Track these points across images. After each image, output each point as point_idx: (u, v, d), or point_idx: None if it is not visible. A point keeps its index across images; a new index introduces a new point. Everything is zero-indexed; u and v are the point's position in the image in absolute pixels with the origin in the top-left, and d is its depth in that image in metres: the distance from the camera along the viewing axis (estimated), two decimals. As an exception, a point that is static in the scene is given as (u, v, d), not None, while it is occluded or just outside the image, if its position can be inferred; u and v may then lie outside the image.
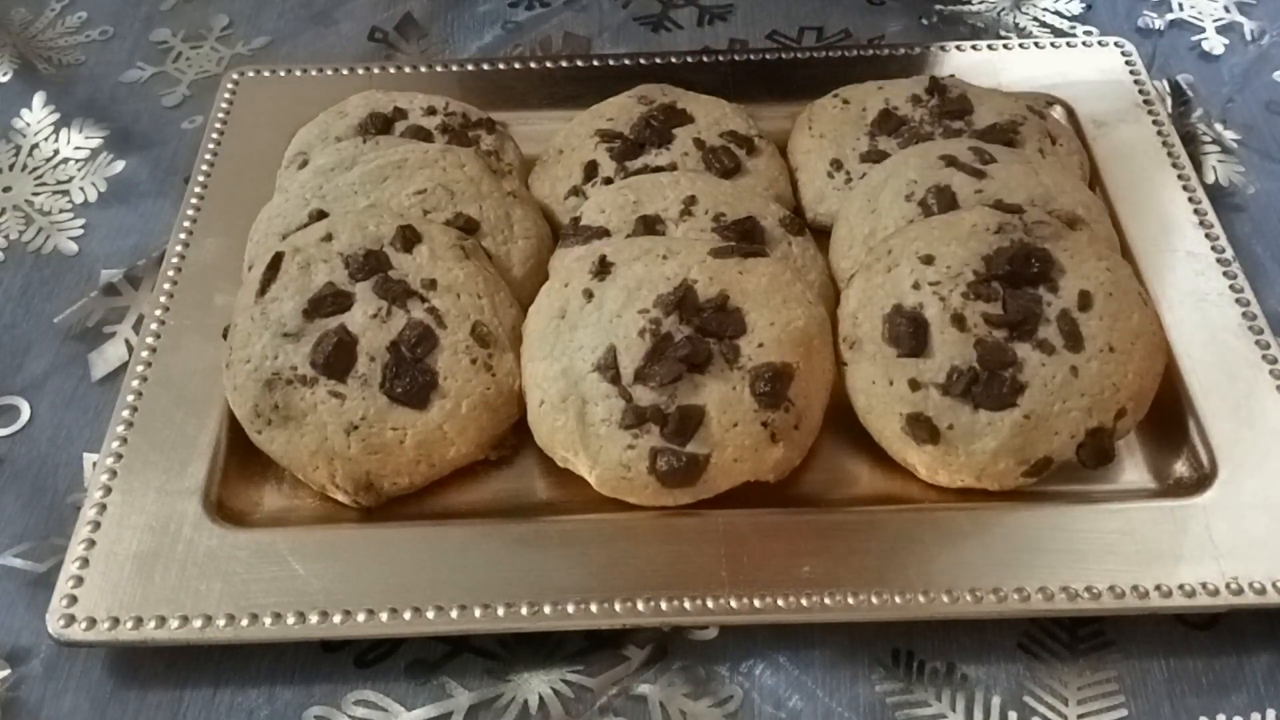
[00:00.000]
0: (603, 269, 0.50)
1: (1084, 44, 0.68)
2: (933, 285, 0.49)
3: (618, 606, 0.44)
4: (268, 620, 0.44)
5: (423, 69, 0.68)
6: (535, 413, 0.48)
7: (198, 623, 0.44)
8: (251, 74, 0.67)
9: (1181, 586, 0.44)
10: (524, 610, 0.44)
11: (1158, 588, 0.44)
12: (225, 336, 0.51)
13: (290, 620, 0.44)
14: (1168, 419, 0.50)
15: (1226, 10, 0.75)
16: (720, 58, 0.68)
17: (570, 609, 0.44)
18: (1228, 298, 0.54)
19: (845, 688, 0.45)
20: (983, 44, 0.68)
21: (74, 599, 0.45)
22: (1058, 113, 0.63)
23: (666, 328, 0.47)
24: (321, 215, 0.53)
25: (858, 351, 0.49)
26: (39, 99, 0.70)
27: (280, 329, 0.49)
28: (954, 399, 0.47)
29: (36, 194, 0.65)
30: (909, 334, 0.48)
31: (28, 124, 0.69)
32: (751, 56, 0.68)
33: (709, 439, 0.45)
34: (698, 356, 0.47)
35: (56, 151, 0.67)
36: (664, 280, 0.49)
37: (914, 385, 0.48)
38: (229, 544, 0.46)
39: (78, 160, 0.66)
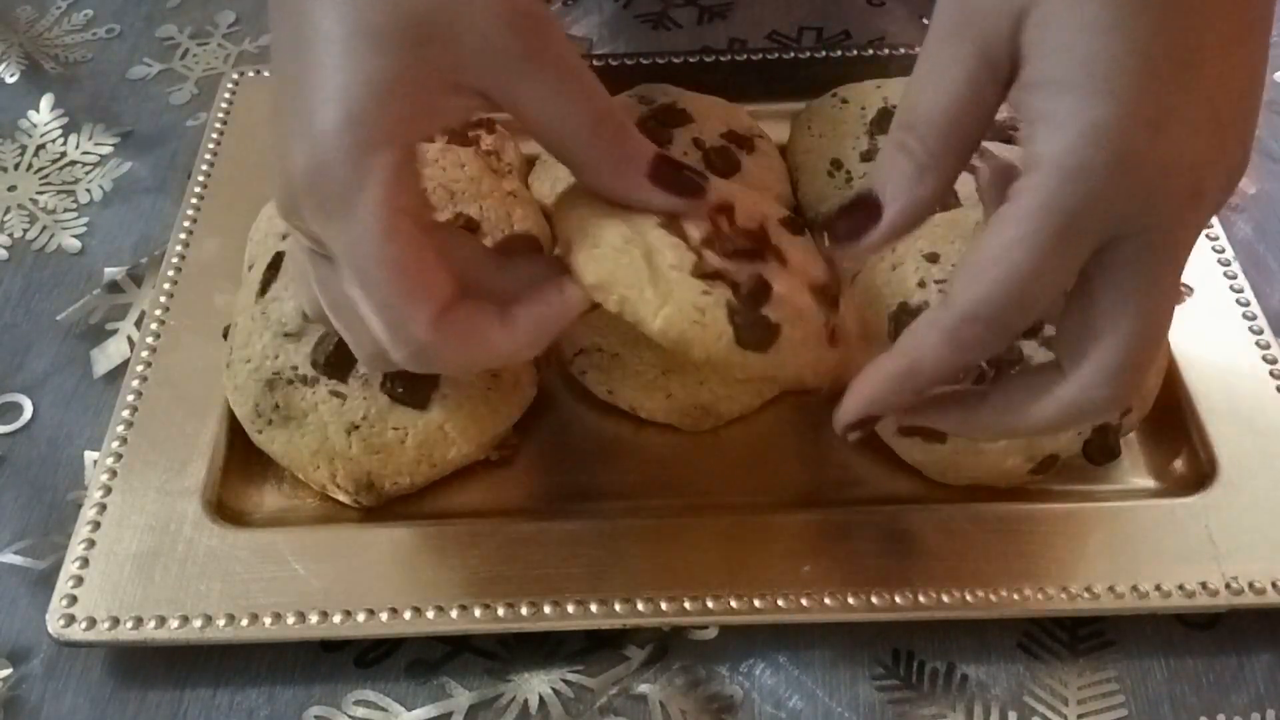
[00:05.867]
0: None
1: (1085, 43, 0.68)
2: (938, 283, 0.49)
3: (618, 606, 0.44)
4: (268, 620, 0.44)
5: (423, 68, 0.68)
6: (587, 254, 0.40)
7: (198, 623, 0.44)
8: (253, 74, 0.68)
9: (1181, 586, 0.44)
10: (524, 610, 0.44)
11: (1157, 588, 0.44)
12: (225, 336, 0.51)
13: (290, 620, 0.44)
14: (1168, 419, 0.50)
15: (1228, 9, 0.75)
16: (720, 58, 0.68)
17: (570, 609, 0.44)
18: (1228, 298, 0.54)
19: (845, 688, 0.45)
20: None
21: (74, 599, 0.45)
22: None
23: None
24: (322, 215, 0.53)
25: (863, 350, 0.49)
26: (46, 101, 0.70)
27: (281, 329, 0.49)
28: (960, 397, 0.47)
29: (41, 192, 0.65)
30: None
31: (34, 124, 0.69)
32: (751, 56, 0.68)
33: (779, 312, 0.40)
34: (759, 241, 0.42)
35: (64, 154, 0.67)
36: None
37: (919, 384, 0.48)
38: (229, 544, 0.46)
39: (85, 164, 0.66)
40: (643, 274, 0.39)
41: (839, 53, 0.69)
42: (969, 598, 0.44)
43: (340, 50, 0.34)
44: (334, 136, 0.33)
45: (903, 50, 0.68)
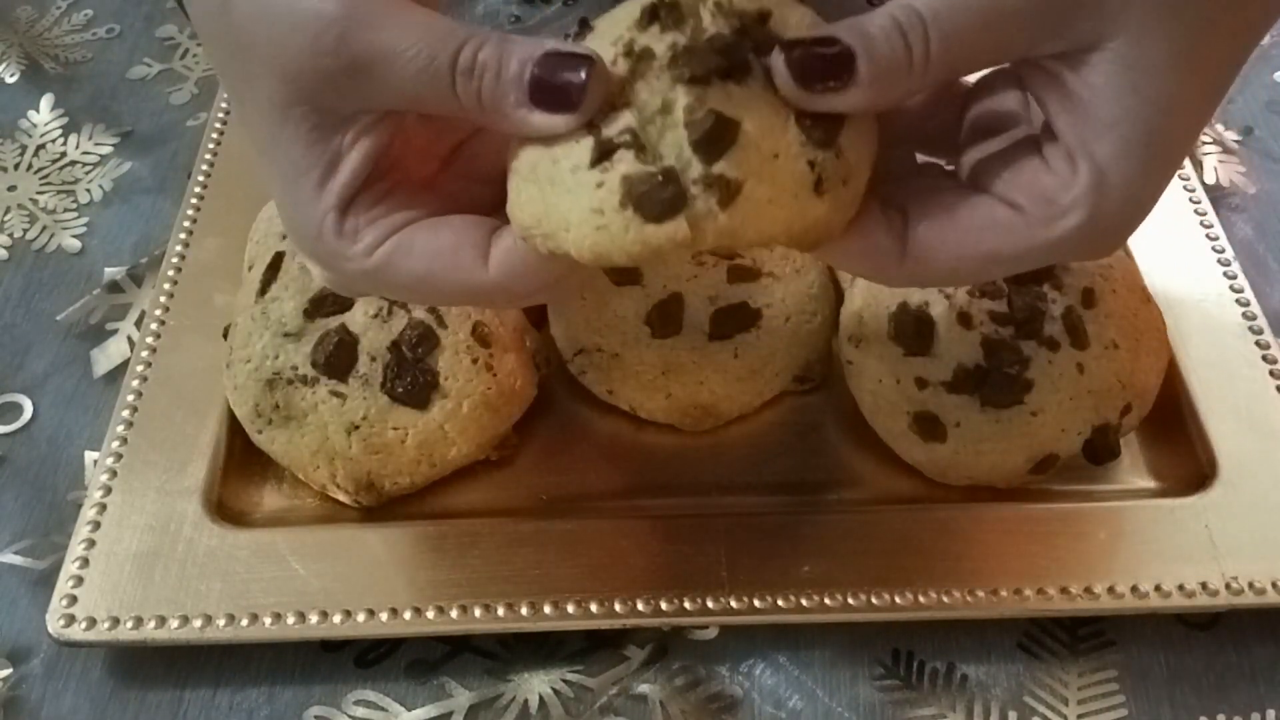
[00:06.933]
0: (581, 31, 0.36)
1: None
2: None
3: (618, 606, 0.44)
4: (268, 620, 0.44)
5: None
6: (509, 200, 0.35)
7: (198, 623, 0.44)
8: (252, 73, 0.67)
9: (1181, 586, 0.44)
10: (524, 610, 0.44)
11: (1157, 588, 0.44)
12: (225, 336, 0.51)
13: (290, 620, 0.44)
14: (1168, 419, 0.50)
15: (1228, 9, 0.75)
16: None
17: (570, 609, 0.44)
18: (1228, 298, 0.54)
19: (845, 688, 0.45)
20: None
21: (74, 599, 0.45)
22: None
23: (645, 42, 0.33)
24: (322, 215, 0.53)
25: (863, 350, 0.49)
26: (46, 101, 0.70)
27: (281, 329, 0.49)
28: (961, 397, 0.47)
29: (41, 192, 0.65)
30: (915, 332, 0.48)
31: (34, 124, 0.69)
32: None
33: (744, 164, 0.32)
34: (737, 53, 0.32)
35: (64, 154, 0.67)
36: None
37: (920, 384, 0.48)
38: (229, 544, 0.46)
39: (85, 164, 0.66)
40: (549, 198, 0.33)
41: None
42: (969, 598, 0.44)
43: (256, 145, 0.36)
44: (301, 229, 0.36)
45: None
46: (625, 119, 0.32)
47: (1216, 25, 0.32)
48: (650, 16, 0.33)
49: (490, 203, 0.36)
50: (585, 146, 0.32)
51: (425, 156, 0.38)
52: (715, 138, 0.31)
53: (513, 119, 0.33)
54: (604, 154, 0.32)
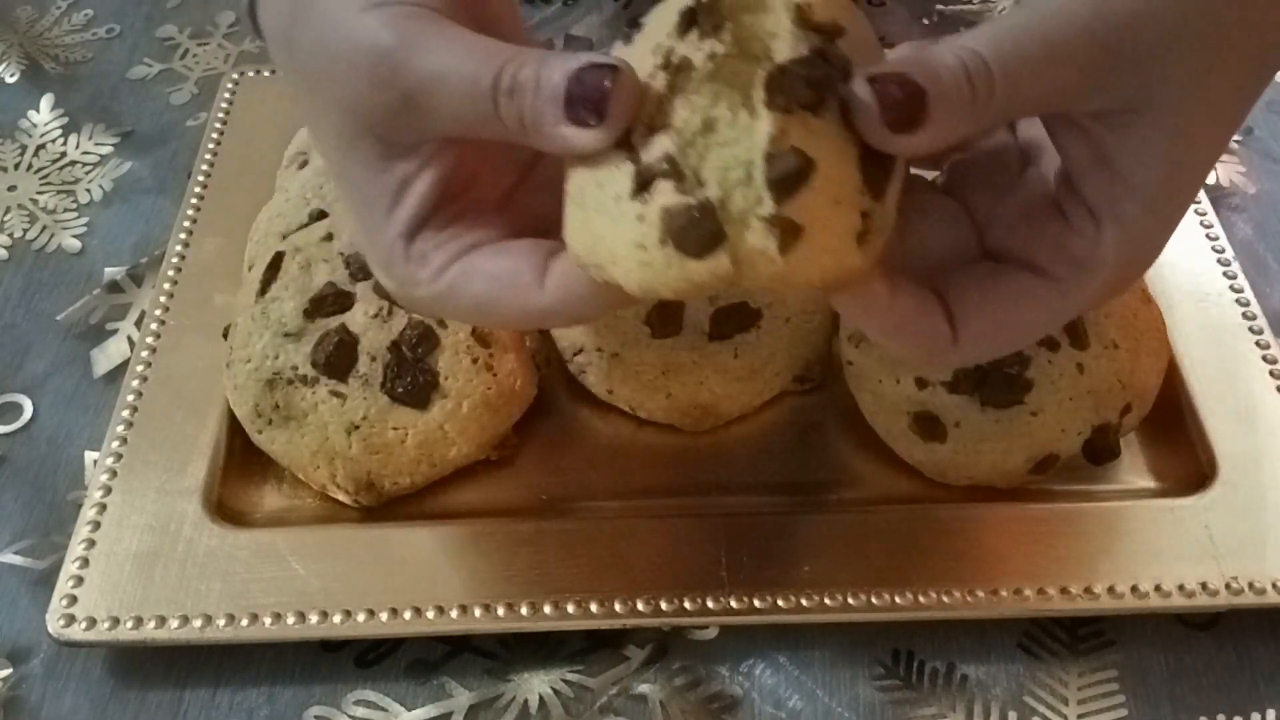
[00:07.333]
0: (629, 32, 0.34)
1: (1085, 43, 0.68)
2: None
3: (618, 606, 0.44)
4: (268, 620, 0.44)
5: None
6: (566, 223, 0.34)
7: (198, 623, 0.44)
8: (253, 74, 0.68)
9: (1181, 586, 0.44)
10: (524, 610, 0.44)
11: (1157, 588, 0.44)
12: (225, 336, 0.51)
13: (290, 620, 0.44)
14: (1168, 419, 0.50)
15: (1228, 9, 0.75)
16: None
17: (570, 609, 0.44)
18: (1228, 298, 0.54)
19: (845, 688, 0.45)
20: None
21: (74, 599, 0.45)
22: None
23: (683, 52, 0.31)
24: (322, 215, 0.53)
25: (863, 350, 0.49)
26: (46, 101, 0.70)
27: (281, 329, 0.49)
28: (961, 397, 0.47)
29: (41, 192, 0.65)
30: None
31: (34, 124, 0.69)
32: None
33: (810, 208, 0.30)
34: (827, 87, 0.30)
35: (64, 154, 0.67)
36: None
37: (921, 383, 0.47)
38: (229, 544, 0.46)
39: (85, 164, 0.66)
40: (597, 227, 0.32)
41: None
42: (969, 598, 0.44)
43: (329, 171, 0.38)
44: (373, 253, 0.37)
45: (903, 50, 0.68)
46: (663, 144, 0.31)
47: (1244, 86, 0.34)
48: (688, 21, 0.31)
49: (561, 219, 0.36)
50: (626, 173, 0.31)
51: (499, 174, 0.38)
52: (792, 179, 0.30)
53: (553, 137, 0.32)
54: (643, 184, 0.31)
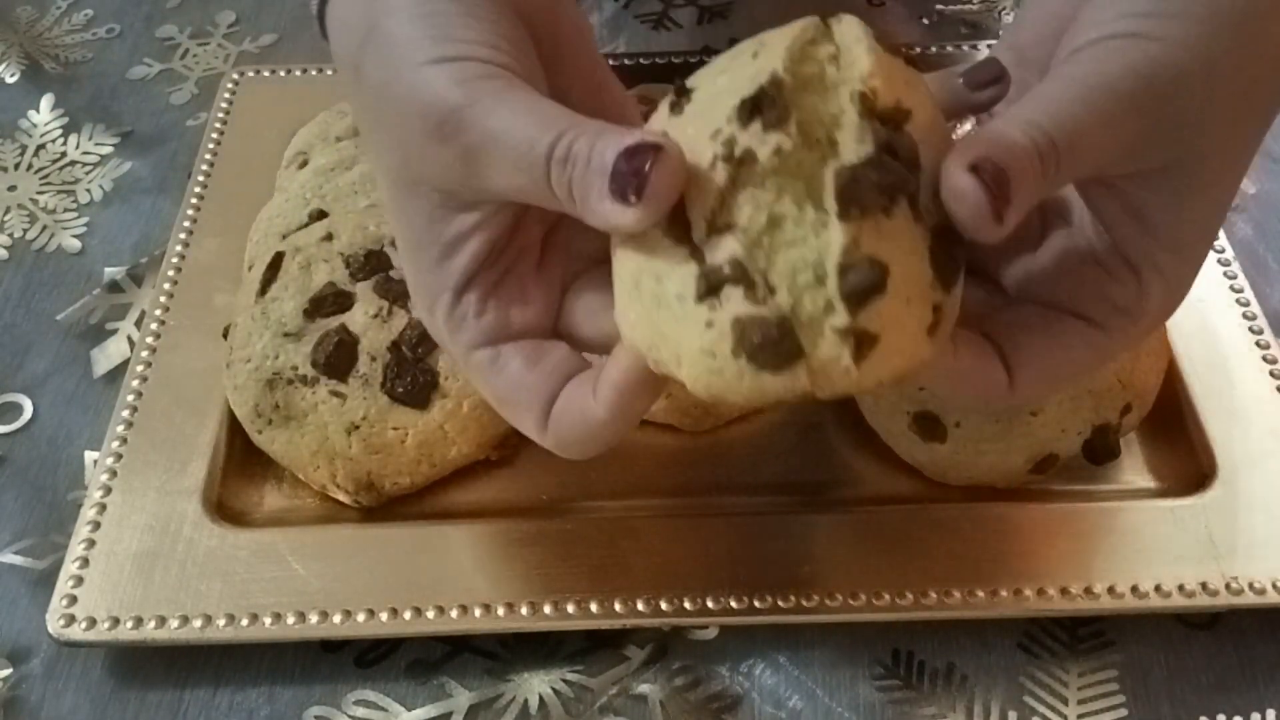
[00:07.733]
0: (679, 100, 0.33)
1: (1085, 43, 0.68)
2: None
3: (618, 606, 0.44)
4: (268, 620, 0.44)
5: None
6: (617, 309, 0.34)
7: (198, 623, 0.44)
8: (252, 74, 0.68)
9: (1181, 586, 0.44)
10: (524, 610, 0.44)
11: (1157, 588, 0.44)
12: (225, 336, 0.51)
13: (290, 620, 0.44)
14: (1168, 419, 0.50)
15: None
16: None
17: (570, 609, 0.44)
18: (1228, 298, 0.54)
19: (845, 688, 0.45)
20: (983, 44, 0.68)
21: (74, 599, 0.45)
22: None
23: (746, 143, 0.30)
24: (322, 215, 0.53)
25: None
26: (46, 101, 0.70)
27: (281, 329, 0.49)
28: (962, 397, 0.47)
29: (41, 192, 0.65)
30: None
31: (34, 124, 0.69)
32: (752, 56, 0.68)
33: (884, 314, 0.29)
34: (901, 188, 0.30)
35: (64, 154, 0.67)
36: (749, 82, 0.31)
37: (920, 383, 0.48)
38: (229, 544, 0.46)
39: (85, 164, 0.66)
40: (658, 323, 0.32)
41: (839, 52, 0.68)
42: (969, 598, 0.44)
43: (383, 196, 0.37)
44: (418, 296, 0.37)
45: (903, 50, 0.68)
46: (730, 246, 0.30)
47: (1265, 126, 0.35)
48: (750, 111, 0.30)
49: (578, 274, 0.38)
50: (689, 273, 0.30)
51: (533, 241, 0.38)
52: (867, 289, 0.29)
53: (596, 212, 0.31)
54: (711, 289, 0.30)
